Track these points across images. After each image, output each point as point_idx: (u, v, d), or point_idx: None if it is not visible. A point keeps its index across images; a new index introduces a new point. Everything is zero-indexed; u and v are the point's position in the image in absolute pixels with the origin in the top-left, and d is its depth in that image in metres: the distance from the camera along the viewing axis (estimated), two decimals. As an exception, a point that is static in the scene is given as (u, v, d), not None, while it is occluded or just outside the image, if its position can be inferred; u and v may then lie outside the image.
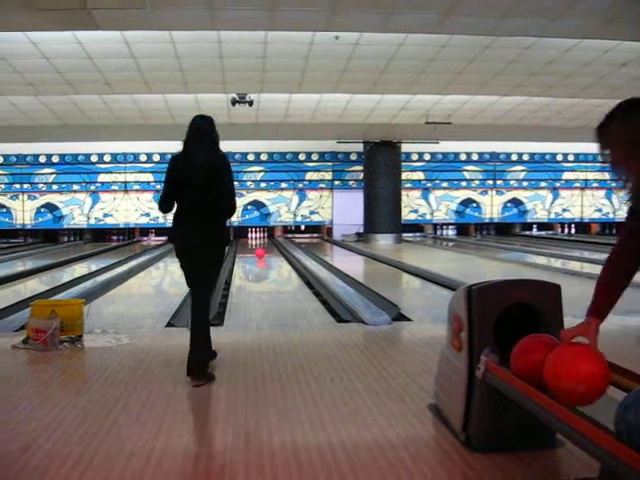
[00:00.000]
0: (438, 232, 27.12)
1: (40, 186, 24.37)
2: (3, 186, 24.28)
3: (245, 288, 11.45)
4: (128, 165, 24.24)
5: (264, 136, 21.20)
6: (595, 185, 26.91)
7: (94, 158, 24.32)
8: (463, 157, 25.88)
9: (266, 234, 25.85)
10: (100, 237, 25.18)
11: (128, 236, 25.77)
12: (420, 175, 25.76)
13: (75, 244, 23.84)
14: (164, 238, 22.62)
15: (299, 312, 8.22)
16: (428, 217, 26.22)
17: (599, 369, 2.47)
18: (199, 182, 4.75)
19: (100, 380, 4.84)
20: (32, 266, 14.92)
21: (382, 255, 16.69)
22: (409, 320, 7.56)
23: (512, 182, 26.36)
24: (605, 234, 27.19)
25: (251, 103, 15.02)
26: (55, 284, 11.20)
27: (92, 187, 24.54)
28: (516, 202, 26.51)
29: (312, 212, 25.51)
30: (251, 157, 24.77)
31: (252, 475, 3.11)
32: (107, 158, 24.33)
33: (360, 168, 24.16)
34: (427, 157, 25.62)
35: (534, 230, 27.82)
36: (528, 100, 15.80)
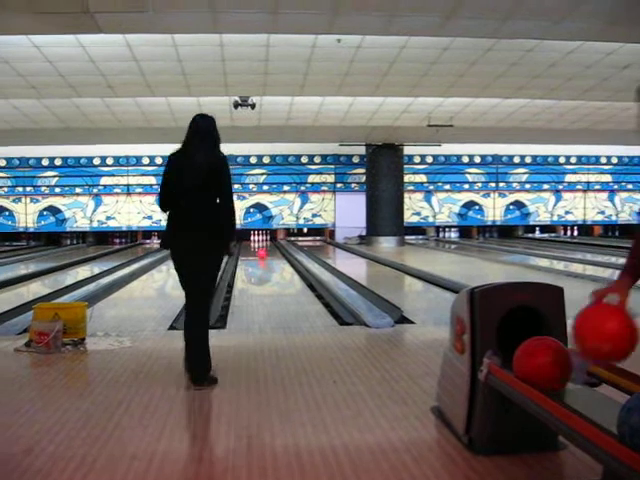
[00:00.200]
0: (440, 235, 27.10)
1: (43, 189, 24.41)
2: (6, 189, 24.33)
3: (247, 291, 11.45)
4: (131, 168, 24.28)
5: (266, 139, 21.22)
6: (598, 187, 26.89)
7: (97, 161, 24.35)
8: (465, 159, 25.87)
9: (268, 237, 25.86)
10: (103, 240, 25.23)
11: (131, 239, 25.80)
12: (422, 178, 25.76)
13: (78, 247, 23.87)
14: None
15: (301, 315, 8.22)
16: (430, 220, 26.21)
17: (624, 328, 2.41)
18: (198, 183, 4.65)
19: (103, 383, 4.84)
20: (35, 269, 14.94)
21: (384, 258, 16.68)
22: (412, 323, 7.56)
23: (515, 184, 26.36)
24: (608, 236, 27.16)
25: (253, 106, 15.04)
26: (58, 287, 11.22)
27: (95, 190, 24.58)
28: (519, 204, 26.50)
29: (314, 215, 25.52)
30: (253, 160, 24.78)
31: (255, 478, 3.11)
32: (110, 161, 24.36)
33: (362, 171, 24.19)
34: (429, 160, 25.62)
35: (537, 232, 27.81)
36: (530, 102, 15.80)
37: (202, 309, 4.79)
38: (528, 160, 26.25)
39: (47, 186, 24.38)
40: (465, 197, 26.18)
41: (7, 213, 24.44)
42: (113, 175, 24.52)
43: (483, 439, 3.32)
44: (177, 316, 7.99)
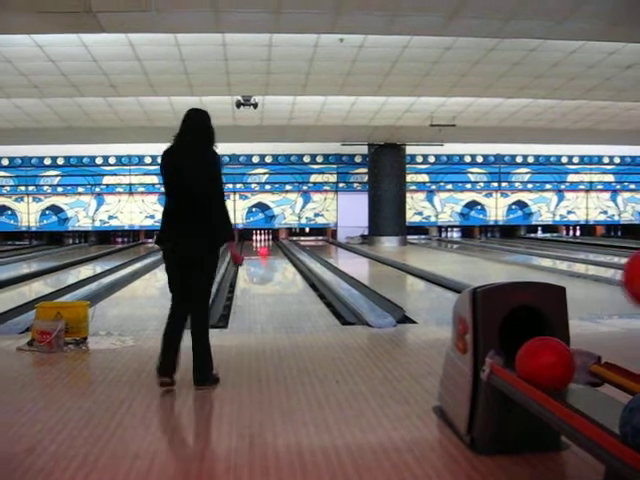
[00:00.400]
0: (443, 234, 27.09)
1: (45, 188, 24.43)
2: (8, 188, 24.35)
3: (250, 291, 11.46)
4: (133, 167, 24.29)
5: (269, 138, 21.23)
6: (600, 187, 26.86)
7: (99, 160, 24.37)
8: (468, 159, 25.86)
9: (271, 236, 25.86)
10: (105, 239, 25.24)
11: (133, 238, 25.80)
12: (425, 177, 25.74)
13: (80, 246, 23.88)
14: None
15: (304, 314, 8.23)
16: (433, 219, 26.20)
17: None
18: (190, 182, 4.53)
19: (105, 382, 4.84)
20: (37, 268, 14.96)
21: (387, 257, 16.68)
22: (414, 322, 7.56)
23: (517, 184, 26.33)
24: (610, 236, 27.13)
25: (256, 105, 15.04)
26: (60, 286, 11.22)
27: (97, 189, 24.59)
28: (521, 204, 26.47)
29: (317, 214, 25.52)
30: (256, 159, 24.79)
31: (257, 477, 3.11)
32: (112, 160, 24.38)
33: (365, 170, 24.19)
34: (432, 159, 25.60)
35: (539, 232, 27.78)
36: (533, 102, 15.79)
37: (203, 310, 4.74)
38: (530, 160, 26.23)
39: (49, 185, 24.40)
40: (467, 197, 26.17)
41: (9, 212, 24.46)
42: (115, 174, 24.53)
43: (485, 439, 3.32)
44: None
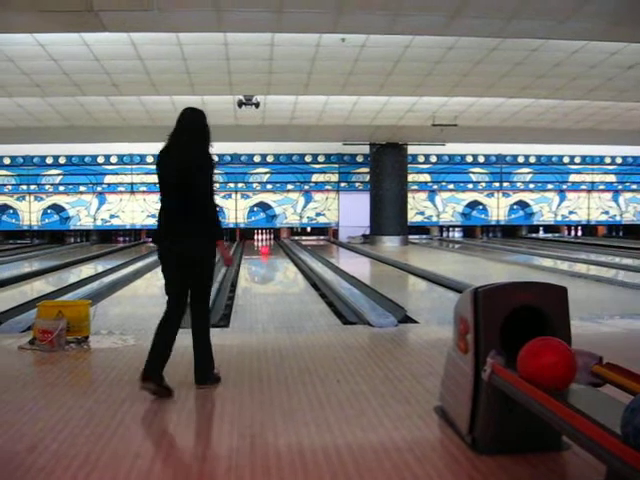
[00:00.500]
0: (444, 234, 27.10)
1: (47, 187, 24.45)
2: (10, 187, 24.37)
3: (251, 290, 11.46)
4: (135, 166, 24.31)
5: (270, 138, 21.23)
6: (602, 187, 26.84)
7: (101, 159, 24.39)
8: (469, 159, 25.85)
9: (272, 236, 25.87)
10: (106, 238, 25.25)
11: (134, 237, 25.82)
12: (426, 177, 25.74)
13: (81, 245, 23.90)
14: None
15: (305, 314, 8.23)
16: (434, 219, 26.20)
17: None
18: (179, 181, 4.46)
19: (106, 381, 4.85)
20: (39, 267, 14.97)
21: (388, 257, 16.68)
22: (415, 322, 7.56)
23: (518, 184, 26.33)
24: (612, 236, 27.13)
25: (257, 105, 15.05)
26: (61, 285, 11.23)
27: (99, 188, 24.61)
28: (522, 204, 26.46)
29: (318, 214, 25.52)
30: (257, 159, 24.79)
31: (258, 477, 3.11)
32: (114, 159, 24.40)
33: (366, 170, 24.18)
34: (433, 159, 25.60)
35: (540, 232, 27.78)
36: (535, 102, 15.79)
37: (204, 309, 4.73)
38: (532, 160, 26.22)
39: (51, 184, 24.42)
40: (469, 197, 26.16)
41: (11, 211, 24.48)
42: (117, 173, 24.55)
43: (486, 439, 3.32)
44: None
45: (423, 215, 25.96)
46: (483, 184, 26.11)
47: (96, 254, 19.17)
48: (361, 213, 23.85)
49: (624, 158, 26.64)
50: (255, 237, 25.65)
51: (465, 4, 8.78)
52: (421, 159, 25.40)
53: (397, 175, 22.45)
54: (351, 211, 24.94)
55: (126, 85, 13.37)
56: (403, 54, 11.65)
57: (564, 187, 26.60)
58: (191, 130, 4.61)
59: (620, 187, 26.94)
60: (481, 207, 26.25)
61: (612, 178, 26.81)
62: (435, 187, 25.89)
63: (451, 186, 25.92)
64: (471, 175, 26.01)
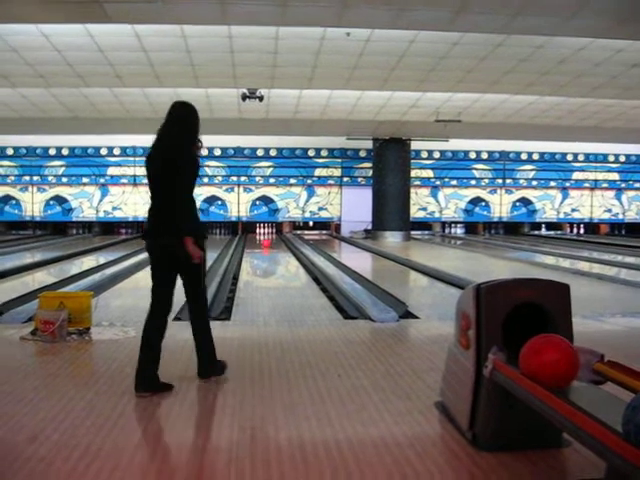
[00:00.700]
0: (446, 230, 27.10)
1: (50, 178, 24.46)
2: (13, 178, 24.39)
3: (253, 283, 11.46)
4: (137, 158, 24.28)
5: (274, 132, 21.23)
6: (605, 185, 26.83)
7: (104, 151, 24.40)
8: (473, 155, 25.83)
9: (274, 230, 25.88)
10: (109, 230, 25.29)
11: (136, 230, 25.81)
12: (429, 173, 25.73)
13: (84, 237, 23.92)
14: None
15: (306, 308, 8.23)
16: (437, 215, 26.19)
17: None
18: (158, 173, 4.46)
19: (107, 372, 4.86)
20: (41, 258, 14.99)
21: (390, 252, 16.67)
22: (416, 318, 7.56)
23: (521, 181, 26.31)
24: (614, 235, 27.11)
25: (261, 98, 15.02)
26: (63, 276, 11.24)
27: (101, 180, 24.63)
28: (525, 201, 26.45)
29: (321, 208, 25.52)
30: (260, 152, 24.78)
31: (258, 470, 3.11)
32: (117, 151, 24.41)
33: (369, 165, 24.17)
34: (437, 155, 25.58)
35: (543, 230, 27.76)
36: (539, 99, 15.75)
37: (200, 302, 4.66)
38: (535, 157, 26.19)
39: (54, 175, 24.44)
40: (472, 193, 26.14)
41: (14, 202, 24.50)
42: (120, 165, 24.56)
43: (487, 435, 3.32)
44: (182, 307, 7.99)
45: (425, 211, 25.95)
46: (486, 180, 26.10)
47: (98, 246, 19.20)
48: (363, 208, 23.83)
49: (627, 156, 26.61)
50: (257, 231, 25.67)
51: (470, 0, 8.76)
52: (424, 155, 25.38)
53: (400, 170, 22.43)
54: (354, 206, 24.93)
55: (130, 77, 13.36)
56: (408, 49, 11.62)
57: (567, 185, 26.58)
58: (179, 123, 4.52)
59: (623, 185, 26.91)
60: (484, 204, 26.24)
61: (615, 176, 26.79)
62: (438, 183, 25.87)
63: (454, 182, 25.91)
64: (474, 171, 25.99)
